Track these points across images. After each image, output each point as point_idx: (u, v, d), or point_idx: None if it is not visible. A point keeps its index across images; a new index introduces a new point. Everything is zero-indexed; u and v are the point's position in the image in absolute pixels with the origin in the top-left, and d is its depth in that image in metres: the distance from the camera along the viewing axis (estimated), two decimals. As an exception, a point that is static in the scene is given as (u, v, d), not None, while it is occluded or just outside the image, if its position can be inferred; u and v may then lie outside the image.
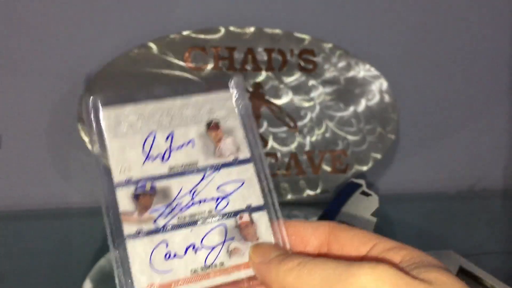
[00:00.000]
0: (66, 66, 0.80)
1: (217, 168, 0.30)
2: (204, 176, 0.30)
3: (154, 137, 0.30)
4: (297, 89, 0.86)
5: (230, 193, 0.30)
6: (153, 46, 0.80)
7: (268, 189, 0.31)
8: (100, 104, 0.29)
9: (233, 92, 0.32)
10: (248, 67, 0.83)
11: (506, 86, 1.03)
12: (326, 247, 0.29)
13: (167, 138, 0.30)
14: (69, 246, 0.74)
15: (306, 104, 0.86)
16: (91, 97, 0.29)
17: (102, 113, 0.29)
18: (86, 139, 0.76)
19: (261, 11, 0.88)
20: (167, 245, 0.28)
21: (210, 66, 0.82)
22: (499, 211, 1.00)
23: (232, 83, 0.32)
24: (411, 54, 0.97)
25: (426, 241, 0.74)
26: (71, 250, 0.72)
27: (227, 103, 0.32)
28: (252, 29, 0.84)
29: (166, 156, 0.30)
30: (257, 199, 0.30)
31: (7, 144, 0.79)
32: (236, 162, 0.31)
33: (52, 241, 0.74)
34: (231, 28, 0.84)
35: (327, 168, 0.86)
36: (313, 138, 0.86)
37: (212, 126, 0.31)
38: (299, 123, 0.86)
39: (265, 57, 0.84)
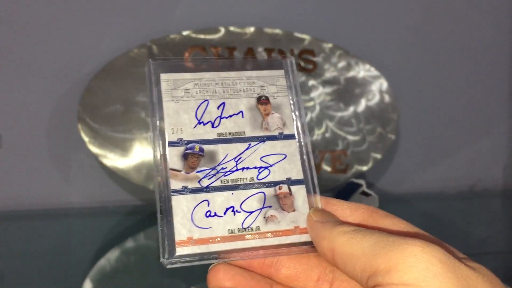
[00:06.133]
0: (66, 66, 0.81)
1: (262, 140, 0.32)
2: (249, 145, 0.32)
3: (207, 105, 0.32)
4: (297, 89, 0.86)
5: (272, 165, 0.31)
6: (153, 46, 0.80)
7: (308, 165, 0.32)
8: (161, 69, 0.32)
9: (285, 71, 0.34)
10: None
11: (507, 86, 1.03)
12: None
13: (219, 106, 0.32)
14: (69, 246, 0.74)
15: (306, 104, 0.86)
16: (153, 62, 0.32)
17: (162, 77, 0.32)
18: (86, 139, 0.76)
19: (261, 11, 0.88)
20: (208, 204, 0.30)
21: (210, 66, 0.82)
22: (499, 211, 1.00)
23: (285, 63, 0.34)
24: (411, 54, 0.97)
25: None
26: (71, 250, 0.72)
27: (279, 81, 0.34)
28: (252, 29, 0.84)
29: (216, 123, 0.32)
30: (297, 173, 0.32)
31: (7, 144, 0.79)
32: (281, 137, 0.32)
33: (52, 241, 0.74)
34: (231, 28, 0.84)
35: (327, 168, 0.86)
36: (313, 138, 0.86)
37: (263, 100, 0.33)
38: (299, 123, 0.86)
39: (265, 57, 0.84)
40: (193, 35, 0.82)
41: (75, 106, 0.77)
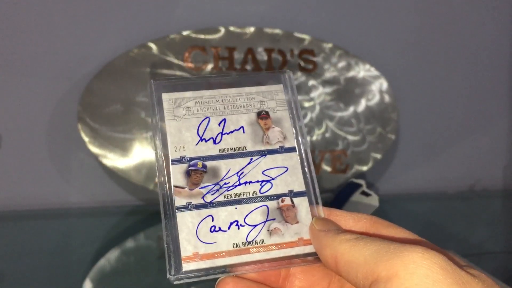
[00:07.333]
0: (66, 66, 0.81)
1: (263, 154, 0.33)
2: (251, 160, 0.32)
3: (208, 122, 0.33)
4: (297, 89, 0.86)
5: (274, 178, 0.32)
6: (153, 46, 0.80)
7: (310, 177, 0.33)
8: (162, 89, 0.33)
9: (284, 86, 0.35)
10: (248, 67, 0.83)
11: (506, 86, 1.03)
12: None
13: (220, 123, 0.33)
14: (69, 246, 0.74)
15: (306, 104, 0.86)
16: (155, 82, 0.33)
17: (164, 97, 0.32)
18: (86, 139, 0.76)
19: (261, 11, 0.88)
20: (212, 219, 0.30)
21: (210, 66, 0.82)
22: (499, 211, 1.00)
23: (283, 78, 0.35)
24: (411, 54, 0.97)
25: (426, 241, 0.74)
26: (71, 250, 0.72)
27: (278, 96, 0.34)
28: (252, 29, 0.84)
29: (218, 139, 0.32)
30: (299, 185, 0.32)
31: (7, 144, 0.79)
32: (282, 150, 0.33)
33: (52, 241, 0.74)
34: (231, 28, 0.84)
35: (327, 168, 0.86)
36: (313, 138, 0.86)
37: (263, 115, 0.33)
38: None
39: (265, 57, 0.84)
40: (193, 35, 0.82)
41: (75, 106, 0.77)
